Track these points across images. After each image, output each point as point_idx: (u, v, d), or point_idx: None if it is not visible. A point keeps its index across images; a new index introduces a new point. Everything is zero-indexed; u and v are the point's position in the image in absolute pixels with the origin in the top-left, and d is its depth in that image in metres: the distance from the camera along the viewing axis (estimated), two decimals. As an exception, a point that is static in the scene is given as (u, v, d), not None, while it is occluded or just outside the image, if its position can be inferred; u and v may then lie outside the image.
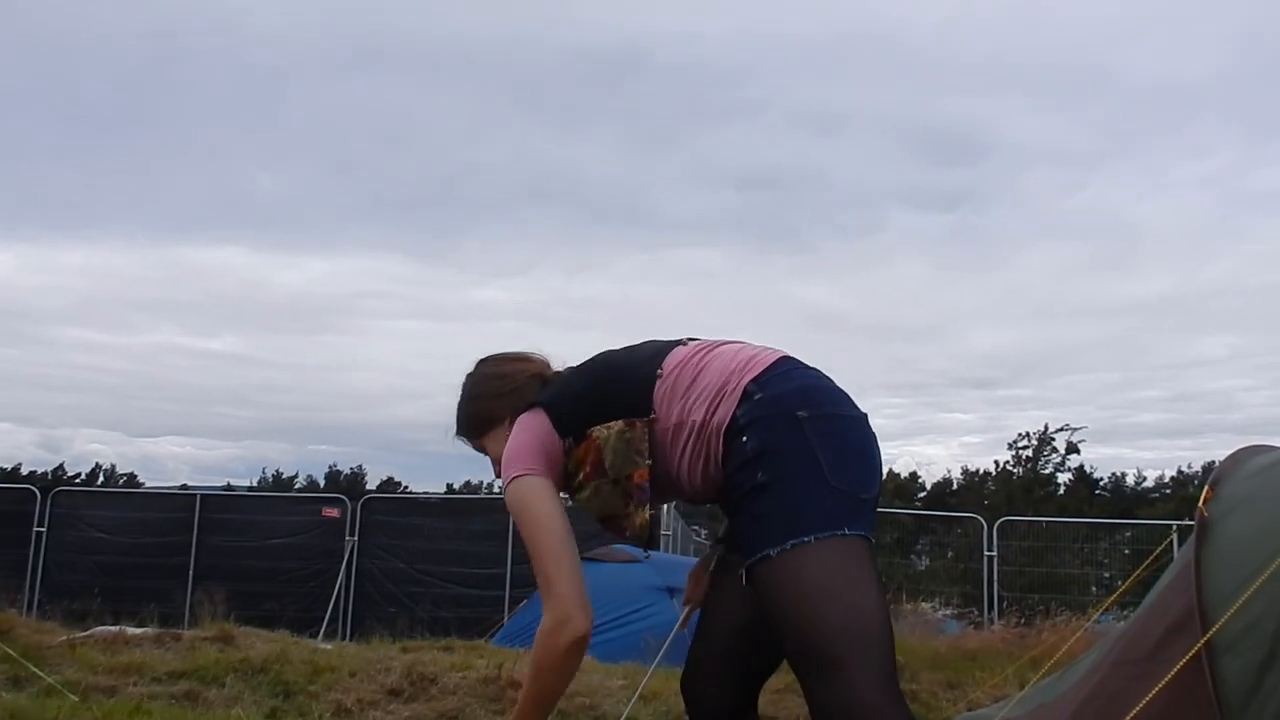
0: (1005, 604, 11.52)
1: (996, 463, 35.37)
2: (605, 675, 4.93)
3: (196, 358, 54.89)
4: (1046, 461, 33.65)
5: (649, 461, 2.20)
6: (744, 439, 2.08)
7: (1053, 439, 33.36)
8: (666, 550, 11.10)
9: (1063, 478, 33.62)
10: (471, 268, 60.36)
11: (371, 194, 59.26)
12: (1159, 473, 36.54)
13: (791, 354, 2.27)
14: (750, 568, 2.05)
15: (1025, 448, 33.91)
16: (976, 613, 12.11)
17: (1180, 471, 36.23)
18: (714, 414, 2.15)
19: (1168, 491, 34.27)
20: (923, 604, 13.46)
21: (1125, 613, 6.90)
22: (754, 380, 2.13)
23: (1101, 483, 35.15)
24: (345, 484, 40.22)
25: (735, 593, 2.21)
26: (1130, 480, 36.62)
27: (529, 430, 2.26)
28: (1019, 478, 33.24)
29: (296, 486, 41.07)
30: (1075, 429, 33.24)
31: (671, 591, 7.00)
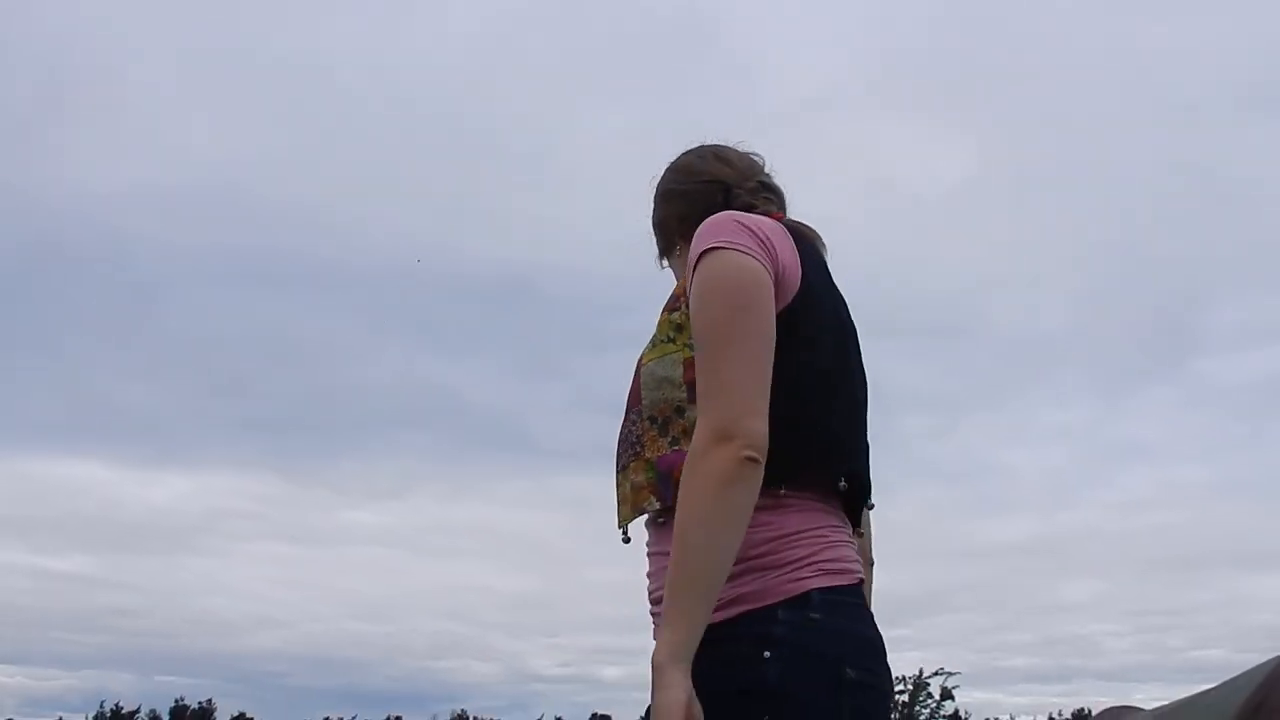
0: None
1: (874, 707, 35.06)
2: None
3: (39, 578, 51.15)
4: (923, 707, 33.43)
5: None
6: (767, 653, 1.41)
7: (928, 684, 33.18)
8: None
9: (938, 725, 33.44)
10: (344, 489, 58.86)
11: (244, 410, 57.93)
12: (1031, 719, 36.72)
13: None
14: None
15: (901, 692, 33.64)
16: None
17: (1051, 718, 36.51)
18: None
19: (1041, 740, 34.36)
20: None
21: None
22: (823, 588, 1.47)
23: (976, 730, 35.09)
24: (191, 719, 37.39)
25: None
26: (1004, 727, 36.63)
27: (730, 214, 1.60)
28: (897, 724, 32.96)
29: (136, 721, 37.99)
30: (950, 674, 33.21)
31: None
